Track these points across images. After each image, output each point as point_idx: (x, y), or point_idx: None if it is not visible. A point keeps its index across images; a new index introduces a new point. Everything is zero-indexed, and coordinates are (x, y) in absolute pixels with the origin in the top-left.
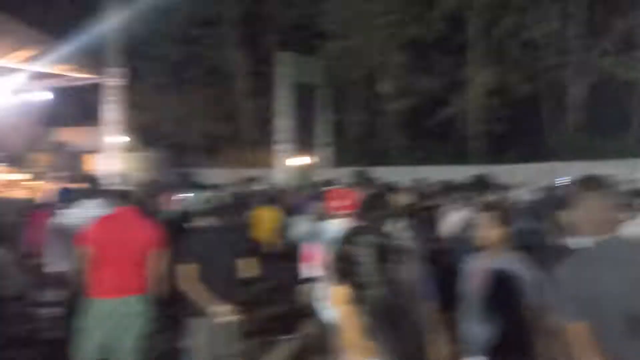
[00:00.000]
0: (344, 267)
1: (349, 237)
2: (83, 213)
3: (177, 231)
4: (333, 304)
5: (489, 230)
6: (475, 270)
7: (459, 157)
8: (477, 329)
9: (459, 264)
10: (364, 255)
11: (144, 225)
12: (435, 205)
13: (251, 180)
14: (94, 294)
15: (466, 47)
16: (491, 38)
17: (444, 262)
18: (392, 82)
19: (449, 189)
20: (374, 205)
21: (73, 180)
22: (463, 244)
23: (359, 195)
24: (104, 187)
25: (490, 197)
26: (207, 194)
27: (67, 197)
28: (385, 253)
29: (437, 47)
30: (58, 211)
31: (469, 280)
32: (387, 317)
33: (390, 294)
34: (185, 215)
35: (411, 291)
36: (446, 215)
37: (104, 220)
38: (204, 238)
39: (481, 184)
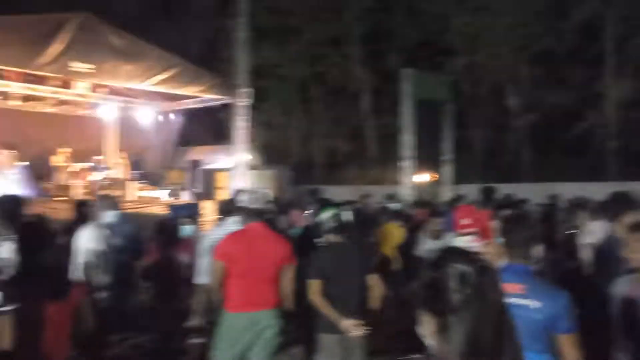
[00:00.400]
0: (430, 295)
1: (439, 262)
2: (223, 229)
3: (306, 247)
4: (425, 332)
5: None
6: (623, 296)
7: (593, 174)
8: None
9: (603, 289)
10: (452, 281)
11: (275, 241)
12: (573, 224)
13: (367, 196)
14: (228, 308)
15: (601, 58)
16: (628, 49)
17: (584, 287)
18: (521, 96)
19: (587, 206)
20: (518, 226)
21: (207, 197)
22: (607, 267)
23: (485, 213)
24: (239, 204)
25: (634, 216)
26: (335, 210)
27: (187, 214)
28: (478, 279)
29: (570, 59)
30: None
31: (616, 307)
32: (480, 347)
33: (481, 322)
34: (314, 232)
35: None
36: (586, 236)
37: (236, 236)
38: (332, 254)
39: (623, 202)
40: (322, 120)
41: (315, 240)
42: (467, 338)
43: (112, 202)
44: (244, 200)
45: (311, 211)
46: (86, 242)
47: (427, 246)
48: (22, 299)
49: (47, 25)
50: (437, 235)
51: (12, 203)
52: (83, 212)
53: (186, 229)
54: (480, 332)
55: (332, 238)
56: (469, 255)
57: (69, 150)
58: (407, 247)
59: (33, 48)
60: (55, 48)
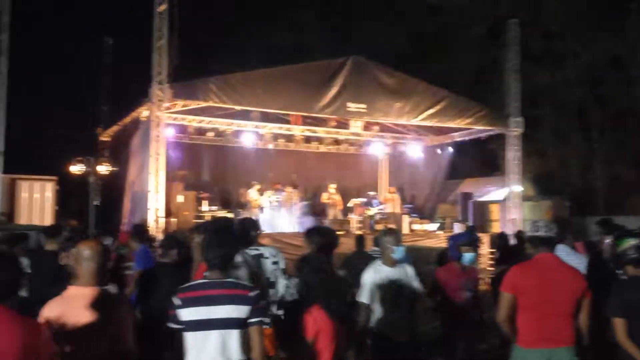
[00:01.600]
0: None
1: None
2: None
3: (594, 279)
4: None
5: None
6: None
7: None
8: None
9: None
10: None
11: (569, 272)
12: None
13: None
14: (521, 343)
15: None
16: None
17: None
18: None
19: None
20: None
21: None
22: None
23: None
24: (530, 234)
25: None
26: (637, 240)
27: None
28: None
29: None
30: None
31: None
32: None
33: None
34: (605, 263)
35: None
36: None
37: (525, 266)
38: (635, 288)
39: None
40: (603, 147)
41: (608, 272)
42: None
43: (398, 237)
44: (534, 230)
45: (607, 241)
46: (372, 276)
47: None
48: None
49: (324, 70)
50: None
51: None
52: (362, 246)
53: (466, 257)
54: None
55: (632, 271)
56: None
57: (335, 186)
58: None
59: (314, 93)
60: (333, 91)
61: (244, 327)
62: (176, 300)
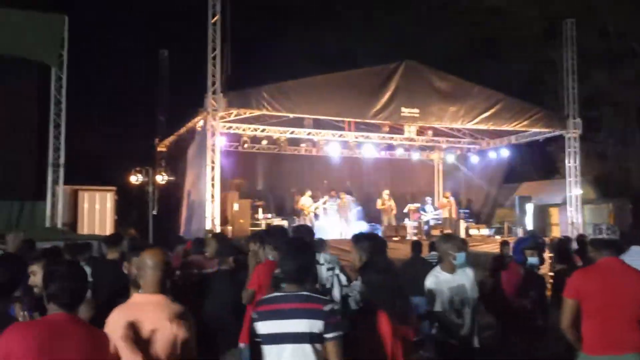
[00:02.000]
0: None
1: None
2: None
3: None
4: None
5: None
6: None
7: None
8: None
9: None
10: None
11: (633, 276)
12: None
13: None
14: (587, 350)
15: None
16: None
17: None
18: None
19: None
20: None
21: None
22: None
23: None
24: (592, 238)
25: None
26: None
27: (531, 245)
28: None
29: None
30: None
31: None
32: None
33: None
34: None
35: None
36: None
37: (588, 271)
38: None
39: None
40: None
41: None
42: None
43: (458, 243)
44: (597, 233)
45: None
46: (433, 283)
47: None
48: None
49: (377, 76)
50: None
51: (308, 233)
52: (418, 252)
53: (530, 261)
54: None
55: None
56: None
57: (389, 192)
58: None
59: (367, 99)
60: (386, 96)
61: (319, 341)
62: (254, 314)
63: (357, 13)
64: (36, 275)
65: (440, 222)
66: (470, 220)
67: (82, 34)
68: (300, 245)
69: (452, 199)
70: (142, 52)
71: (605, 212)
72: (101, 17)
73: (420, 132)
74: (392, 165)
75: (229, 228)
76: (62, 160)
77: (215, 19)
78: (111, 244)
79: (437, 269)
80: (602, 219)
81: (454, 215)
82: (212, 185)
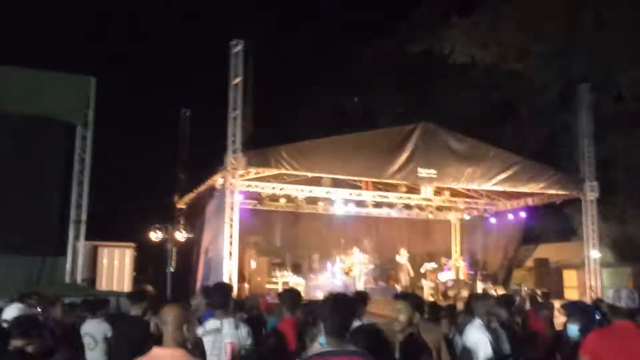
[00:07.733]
0: None
1: None
2: None
3: None
4: None
5: None
6: None
7: None
8: None
9: None
10: None
11: None
12: None
13: None
14: None
15: None
16: None
17: None
18: None
19: None
20: None
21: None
22: None
23: None
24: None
25: None
26: None
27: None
28: None
29: None
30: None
31: None
32: None
33: None
34: None
35: None
36: None
37: (604, 332)
38: None
39: None
40: None
41: None
42: None
43: (489, 302)
44: (616, 299)
45: None
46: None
47: None
48: None
49: (394, 137)
50: None
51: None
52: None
53: (572, 330)
54: None
55: None
56: None
57: (406, 251)
58: None
59: (384, 159)
60: (403, 157)
61: None
62: None
63: (378, 76)
64: None
65: (455, 283)
66: (487, 281)
67: (107, 94)
68: (342, 303)
69: (461, 261)
70: (165, 111)
71: (624, 276)
72: (125, 77)
73: (438, 192)
74: (408, 225)
75: (246, 286)
76: (84, 216)
77: (237, 80)
78: (135, 300)
79: (477, 322)
80: (621, 282)
81: (465, 277)
82: (230, 242)
